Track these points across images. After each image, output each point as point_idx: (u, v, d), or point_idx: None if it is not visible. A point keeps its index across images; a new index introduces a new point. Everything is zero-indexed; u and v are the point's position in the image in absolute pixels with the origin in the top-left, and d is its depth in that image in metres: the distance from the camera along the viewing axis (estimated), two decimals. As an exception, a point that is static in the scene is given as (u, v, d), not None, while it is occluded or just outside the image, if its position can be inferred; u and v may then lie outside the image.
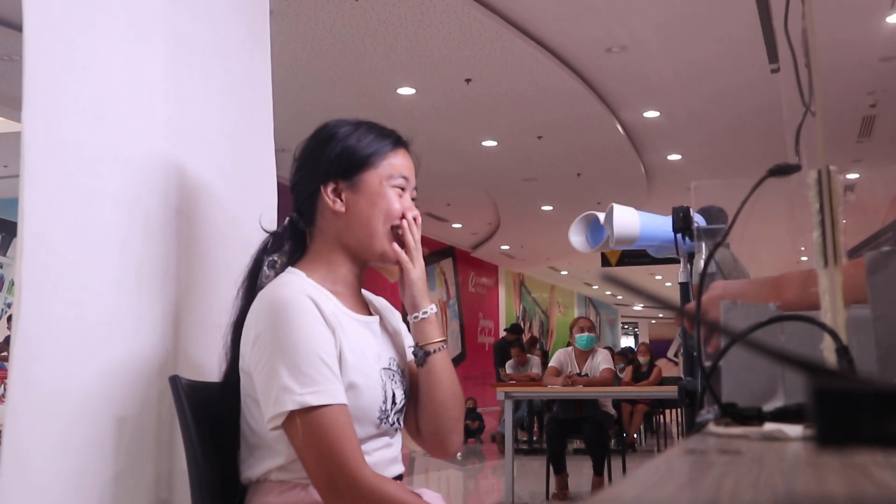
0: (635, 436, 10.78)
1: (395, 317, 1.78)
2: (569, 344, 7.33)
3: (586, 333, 7.11)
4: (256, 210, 2.06)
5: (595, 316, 27.41)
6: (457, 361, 16.36)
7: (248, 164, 2.07)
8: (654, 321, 33.45)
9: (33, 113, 1.40)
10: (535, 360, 11.42)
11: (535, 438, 10.92)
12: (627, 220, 1.83)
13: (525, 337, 16.65)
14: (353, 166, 1.59)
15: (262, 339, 1.46)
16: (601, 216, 1.90)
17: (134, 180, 1.61)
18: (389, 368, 1.61)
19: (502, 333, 14.35)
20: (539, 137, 9.62)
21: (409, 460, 8.34)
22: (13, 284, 10.04)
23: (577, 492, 6.84)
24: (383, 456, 1.58)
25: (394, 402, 1.59)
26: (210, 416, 1.53)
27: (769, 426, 0.72)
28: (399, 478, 1.62)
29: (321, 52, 6.89)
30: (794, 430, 0.70)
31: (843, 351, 0.81)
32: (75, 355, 1.43)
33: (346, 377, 1.48)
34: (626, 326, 34.19)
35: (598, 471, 6.70)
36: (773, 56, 6.51)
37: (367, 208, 1.58)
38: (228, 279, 1.87)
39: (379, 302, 1.76)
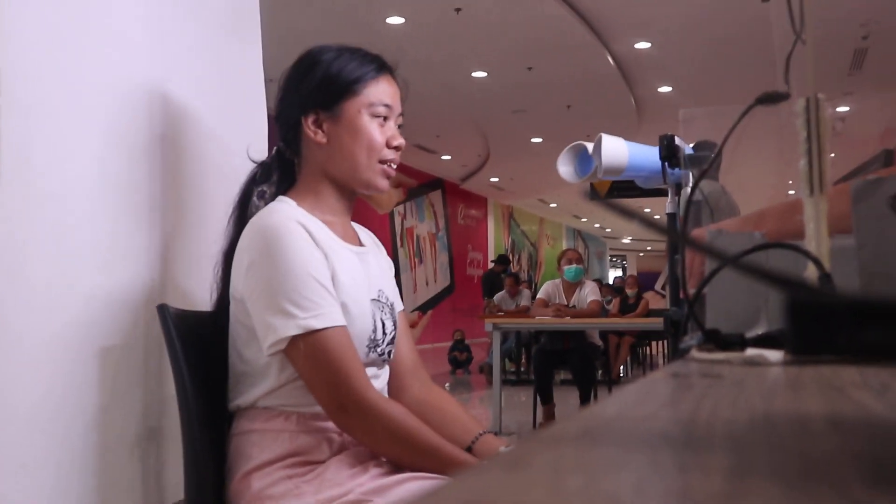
0: (621, 368, 10.92)
1: (382, 251, 1.78)
2: (557, 276, 7.37)
3: (574, 265, 7.13)
4: (245, 140, 2.04)
5: (584, 249, 27.51)
6: (445, 293, 16.45)
7: (237, 93, 2.05)
8: (642, 254, 33.61)
9: (7, 43, 1.38)
10: (526, 293, 11.49)
11: (522, 369, 11.05)
12: (616, 150, 1.82)
13: (514, 269, 16.72)
14: (333, 95, 1.57)
15: (256, 265, 1.46)
16: (590, 146, 1.89)
17: (116, 109, 1.59)
18: (378, 300, 1.61)
19: (491, 265, 14.42)
20: (529, 69, 9.54)
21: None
22: None
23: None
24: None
25: (384, 333, 1.60)
26: (198, 344, 1.53)
27: (751, 351, 0.73)
28: None
29: (308, -20, 6.78)
30: (775, 355, 0.71)
31: (825, 278, 0.82)
32: (56, 286, 1.42)
33: (343, 300, 1.49)
34: (614, 259, 34.35)
35: (584, 401, 6.80)
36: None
37: (348, 140, 1.57)
38: (217, 209, 1.87)
39: (367, 234, 1.76)
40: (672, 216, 1.90)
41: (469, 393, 10.07)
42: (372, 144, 1.57)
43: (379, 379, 1.61)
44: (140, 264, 1.62)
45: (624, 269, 33.56)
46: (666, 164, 1.88)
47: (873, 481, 0.25)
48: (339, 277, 1.50)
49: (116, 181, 1.58)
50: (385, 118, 1.59)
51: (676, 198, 1.97)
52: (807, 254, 0.83)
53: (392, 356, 1.66)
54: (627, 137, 1.85)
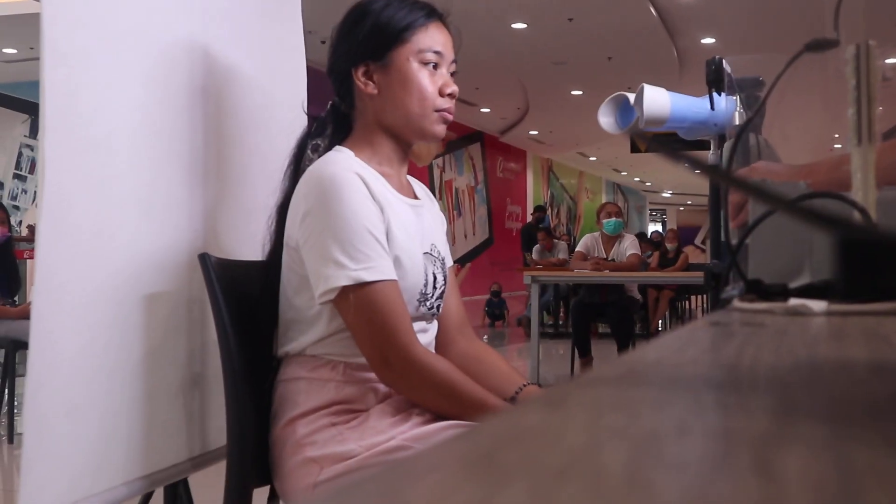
0: (660, 322, 10.88)
1: (435, 205, 1.77)
2: (597, 229, 7.33)
3: (613, 218, 7.10)
4: (286, 92, 2.05)
5: (623, 202, 27.30)
6: (484, 246, 16.44)
7: (277, 46, 2.04)
8: (682, 208, 33.27)
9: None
10: (562, 245, 11.46)
11: (560, 322, 11.06)
12: (658, 101, 1.80)
13: (553, 222, 16.65)
14: (382, 45, 1.55)
15: (312, 214, 1.46)
16: (631, 97, 1.86)
17: (158, 59, 1.60)
18: (430, 254, 1.61)
19: (529, 219, 14.36)
20: (570, 20, 9.39)
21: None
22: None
23: (602, 374, 6.95)
24: (420, 340, 1.57)
25: (434, 287, 1.60)
26: (240, 293, 1.55)
27: (794, 301, 0.73)
28: None
29: (347, -70, 6.71)
30: (819, 305, 0.70)
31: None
32: (100, 235, 1.44)
33: (396, 253, 1.49)
34: (653, 213, 34.06)
35: (623, 352, 6.80)
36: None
37: (399, 89, 1.55)
38: (258, 161, 1.88)
39: (421, 188, 1.75)
40: (715, 166, 1.87)
41: (507, 346, 10.11)
42: (423, 93, 1.55)
43: (427, 333, 1.61)
44: (182, 214, 1.64)
45: (664, 224, 33.30)
46: (713, 90, 1.83)
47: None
48: (393, 230, 1.50)
49: (158, 130, 1.59)
50: (436, 66, 1.57)
51: (719, 150, 1.94)
52: (854, 203, 0.82)
53: (441, 310, 1.66)
54: (669, 90, 1.82)
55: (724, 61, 1.71)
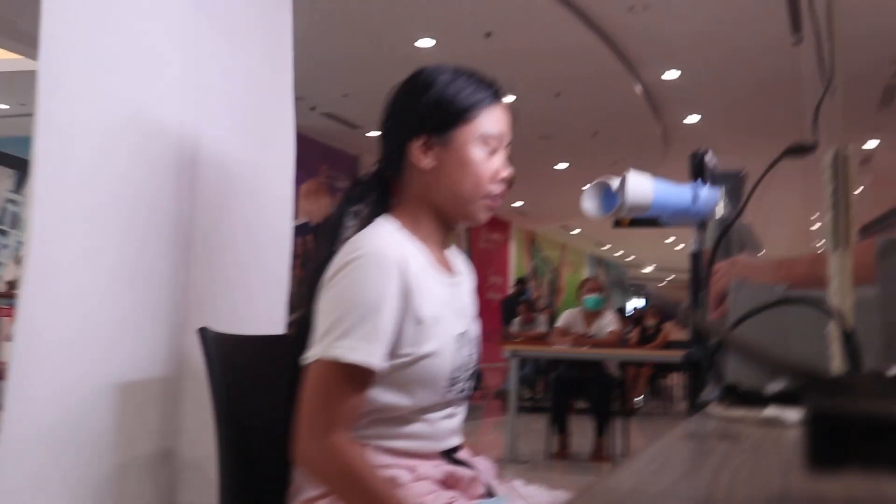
0: (637, 399, 10.84)
1: (472, 280, 1.70)
2: (577, 305, 7.35)
3: (595, 294, 7.11)
4: (274, 163, 2.06)
5: (605, 276, 27.42)
6: (465, 316, 16.38)
7: (267, 114, 2.06)
8: (662, 284, 33.43)
9: (49, 60, 1.40)
10: (542, 318, 11.46)
11: (538, 396, 11.00)
12: (641, 187, 1.81)
13: (534, 294, 16.67)
14: (446, 120, 1.50)
15: (335, 279, 1.40)
16: (614, 183, 1.88)
17: (149, 131, 1.61)
18: (466, 334, 1.54)
19: (510, 290, 14.38)
20: (557, 95, 9.55)
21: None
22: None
23: (578, 451, 6.90)
24: (446, 426, 1.53)
25: (466, 369, 1.53)
26: (238, 367, 1.51)
27: (769, 410, 0.73)
28: (455, 449, 1.57)
29: (342, 0, 6.84)
30: (793, 414, 0.70)
31: (848, 336, 0.81)
32: (83, 305, 1.44)
33: (425, 345, 1.43)
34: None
35: (600, 432, 6.75)
36: (796, 26, 6.43)
37: (456, 169, 1.50)
38: (245, 233, 1.88)
39: (460, 260, 1.68)
40: (696, 255, 1.89)
41: (483, 419, 10.03)
42: (479, 178, 1.50)
43: (454, 419, 1.55)
44: (164, 287, 1.64)
45: (646, 298, 33.38)
46: (698, 181, 1.85)
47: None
48: (425, 320, 1.43)
49: (146, 202, 1.59)
50: (495, 149, 1.53)
51: (700, 236, 1.96)
52: (830, 310, 0.83)
53: (469, 389, 1.58)
54: (653, 166, 1.85)
55: (707, 153, 1.73)
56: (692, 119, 10.56)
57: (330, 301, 1.40)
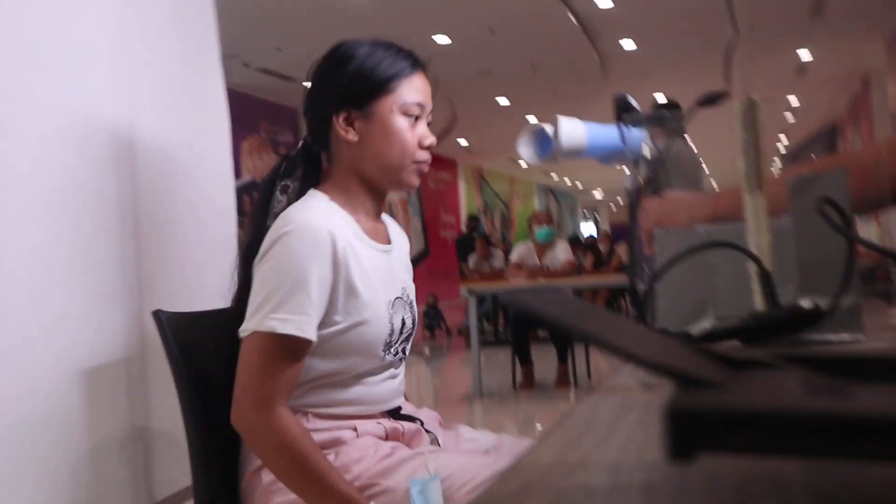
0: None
1: (405, 240, 1.75)
2: (529, 238, 7.43)
3: (545, 227, 7.20)
4: (211, 141, 2.07)
5: (556, 205, 27.59)
6: (420, 258, 16.48)
7: (197, 93, 2.07)
8: (613, 207, 33.76)
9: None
10: (499, 253, 11.55)
11: (500, 330, 11.14)
12: (574, 132, 1.85)
13: (487, 230, 16.76)
14: (365, 93, 1.53)
15: (267, 256, 1.44)
16: (548, 128, 1.92)
17: (83, 122, 1.61)
18: (401, 298, 1.60)
19: (463, 228, 14.48)
20: (492, 31, 9.51)
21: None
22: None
23: (543, 379, 7.04)
24: (387, 387, 1.58)
25: (401, 333, 1.58)
26: (194, 344, 1.54)
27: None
28: (398, 409, 1.62)
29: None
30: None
31: (764, 275, 0.87)
32: (35, 302, 1.45)
33: (357, 313, 1.47)
34: (586, 213, 34.50)
35: (562, 359, 6.89)
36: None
37: (380, 140, 1.53)
38: (190, 212, 1.90)
39: (394, 227, 1.73)
40: (632, 192, 1.94)
41: (448, 356, 10.16)
42: (404, 146, 1.54)
43: (396, 379, 1.60)
44: (116, 273, 1.65)
45: (596, 223, 33.74)
46: (622, 125, 1.90)
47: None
48: (358, 289, 1.48)
49: (88, 193, 1.60)
50: (417, 117, 1.56)
51: (637, 174, 2.01)
52: (747, 252, 0.88)
53: (408, 353, 1.64)
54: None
55: (629, 97, 1.78)
56: (629, 46, 10.58)
57: (263, 276, 1.44)
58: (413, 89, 1.56)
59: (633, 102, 1.76)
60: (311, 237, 1.43)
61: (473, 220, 13.68)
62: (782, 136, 18.05)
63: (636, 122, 1.80)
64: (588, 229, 30.74)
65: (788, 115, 15.39)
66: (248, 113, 10.20)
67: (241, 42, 8.25)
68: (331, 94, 1.56)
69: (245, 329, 1.43)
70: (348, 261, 1.48)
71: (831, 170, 0.93)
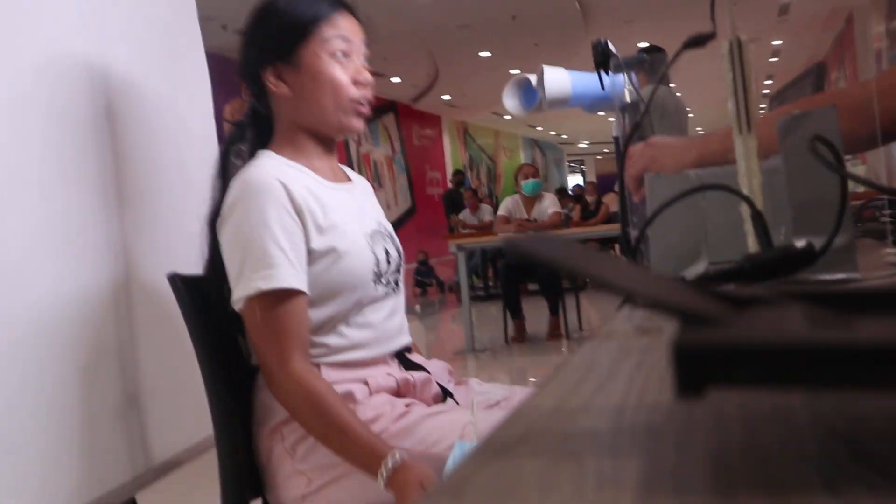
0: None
1: (368, 186, 1.75)
2: (516, 192, 7.42)
3: (531, 179, 7.19)
4: (191, 99, 2.04)
5: (542, 157, 27.53)
6: (407, 215, 16.46)
7: (177, 50, 2.03)
8: (599, 157, 33.71)
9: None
10: (487, 207, 11.55)
11: (491, 284, 11.18)
12: (559, 82, 1.85)
13: (474, 184, 16.73)
14: (288, 43, 1.53)
15: (227, 222, 1.46)
16: (533, 78, 1.91)
17: (55, 86, 1.58)
18: (379, 231, 1.61)
19: (450, 184, 14.46)
20: (471, -18, 9.42)
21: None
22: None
23: (535, 332, 7.08)
24: (389, 327, 1.59)
25: (388, 262, 1.58)
26: (206, 307, 1.55)
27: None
28: (408, 350, 1.64)
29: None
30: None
31: (757, 216, 0.87)
32: (19, 271, 1.43)
33: (334, 245, 1.48)
34: (572, 165, 34.45)
35: (553, 311, 6.92)
36: None
37: (311, 86, 1.53)
38: (173, 172, 1.88)
39: (351, 172, 1.74)
40: (618, 139, 1.94)
41: (440, 313, 10.19)
42: (336, 85, 1.53)
43: (397, 315, 1.61)
44: (100, 237, 1.64)
45: (583, 174, 33.71)
46: (601, 71, 1.89)
47: (756, 486, 0.30)
48: (333, 219, 1.49)
49: (65, 157, 1.58)
50: (346, 55, 1.55)
51: (623, 120, 2.00)
52: (739, 193, 0.88)
53: (400, 284, 1.65)
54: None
55: (608, 42, 1.76)
56: (609, -9, 10.50)
57: (230, 242, 1.46)
58: (335, 29, 1.54)
59: (612, 48, 1.75)
60: (264, 192, 1.44)
61: (458, 174, 13.67)
62: (768, 82, 18.01)
63: (616, 68, 1.79)
64: (575, 181, 30.70)
65: (774, 60, 15.34)
66: (228, 76, 10.09)
67: (218, 4, 8.14)
68: (257, 51, 1.56)
69: (237, 299, 1.44)
70: (309, 204, 1.49)
71: (821, 108, 0.92)
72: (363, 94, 1.57)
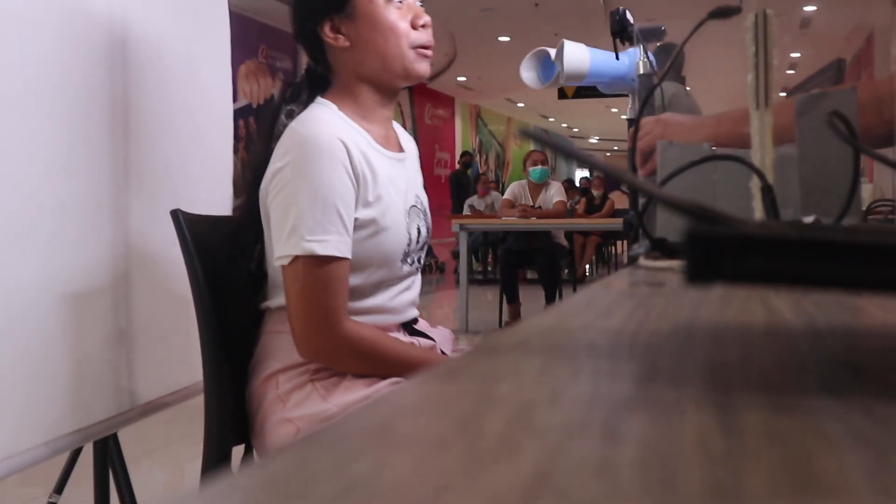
0: (587, 267, 11.08)
1: (416, 151, 1.74)
2: (523, 177, 7.41)
3: (539, 167, 7.17)
4: (209, 45, 2.03)
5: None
6: (413, 194, 16.42)
7: (202, 22, 2.01)
8: (608, 153, 33.64)
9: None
10: (496, 194, 11.55)
11: (489, 269, 11.18)
12: (578, 57, 1.83)
13: (482, 168, 16.70)
14: None
15: (284, 173, 1.42)
16: (552, 52, 1.90)
17: (71, 7, 1.57)
18: (416, 206, 1.60)
19: (458, 165, 14.45)
20: (497, -35, 9.38)
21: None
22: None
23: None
24: (404, 299, 1.59)
25: (417, 241, 1.58)
26: (207, 247, 1.53)
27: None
28: (415, 321, 1.65)
29: None
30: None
31: (767, 189, 0.86)
32: (20, 190, 1.42)
33: (375, 218, 1.48)
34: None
35: (550, 300, 6.92)
36: None
37: (371, 34, 1.50)
38: (184, 113, 1.87)
39: (403, 134, 1.71)
40: (633, 121, 1.93)
41: (436, 293, 10.20)
42: (396, 30, 1.50)
43: (411, 290, 1.62)
44: (104, 169, 1.63)
45: (591, 169, 33.63)
46: (618, 40, 1.88)
47: (752, 386, 0.29)
48: (380, 196, 1.48)
49: (77, 87, 1.57)
50: (402, 1, 1.53)
51: (638, 104, 1.99)
52: (751, 166, 0.87)
53: (422, 260, 1.65)
54: (595, 36, 1.86)
55: (626, 12, 1.75)
56: (634, -15, 10.45)
57: (286, 197, 1.42)
58: None
59: (630, 17, 1.74)
60: (327, 152, 1.41)
61: (466, 154, 13.63)
62: (781, 94, 17.93)
63: (634, 39, 1.78)
64: (583, 175, 30.65)
65: (791, 72, 15.28)
66: (246, 36, 10.06)
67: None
68: (310, 7, 1.54)
69: (284, 254, 1.42)
70: (364, 171, 1.47)
71: (840, 89, 0.91)
72: (424, 36, 1.55)
